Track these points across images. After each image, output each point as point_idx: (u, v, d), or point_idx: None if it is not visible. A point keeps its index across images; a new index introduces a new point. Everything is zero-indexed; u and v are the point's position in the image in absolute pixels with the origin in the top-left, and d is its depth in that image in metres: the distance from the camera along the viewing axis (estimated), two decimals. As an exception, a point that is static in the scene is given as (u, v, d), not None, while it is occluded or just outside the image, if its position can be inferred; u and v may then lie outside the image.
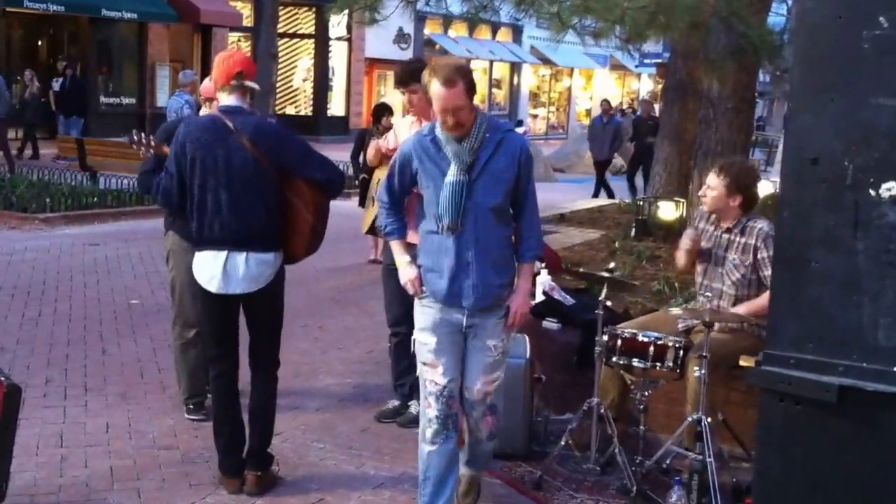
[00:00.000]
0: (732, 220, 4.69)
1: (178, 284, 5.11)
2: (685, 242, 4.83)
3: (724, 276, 4.68)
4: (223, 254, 4.09)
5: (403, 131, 5.27)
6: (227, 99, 4.16)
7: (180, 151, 4.12)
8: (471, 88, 3.61)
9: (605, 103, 18.71)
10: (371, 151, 5.38)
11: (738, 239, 4.66)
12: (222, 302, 4.19)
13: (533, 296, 3.92)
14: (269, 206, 4.10)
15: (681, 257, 4.90)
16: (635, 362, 4.41)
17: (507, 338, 3.86)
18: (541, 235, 3.90)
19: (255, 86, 4.28)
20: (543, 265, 6.28)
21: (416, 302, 3.87)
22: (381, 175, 5.17)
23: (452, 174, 3.65)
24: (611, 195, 16.91)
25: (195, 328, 5.03)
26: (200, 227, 4.15)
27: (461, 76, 3.57)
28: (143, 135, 4.74)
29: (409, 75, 4.98)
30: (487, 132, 3.67)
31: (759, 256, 4.57)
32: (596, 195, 16.98)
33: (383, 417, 5.29)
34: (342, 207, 5.50)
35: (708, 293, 4.67)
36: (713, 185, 4.69)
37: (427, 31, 30.12)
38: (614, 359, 4.49)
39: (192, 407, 5.20)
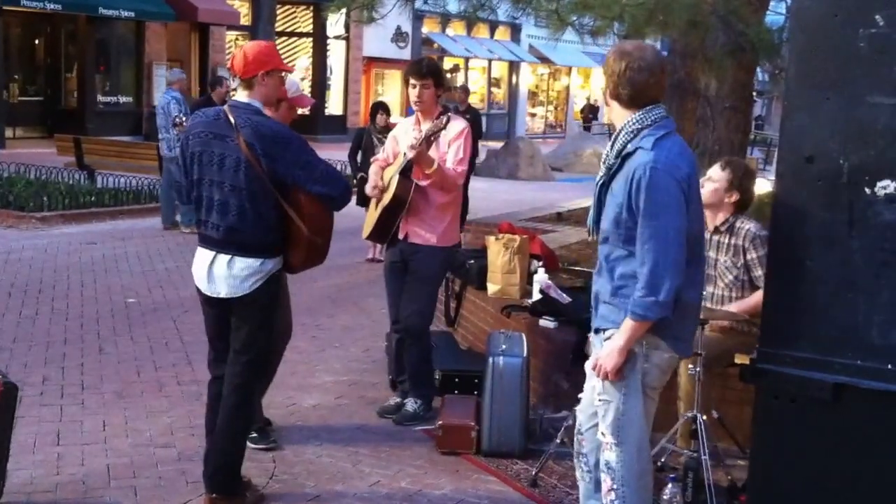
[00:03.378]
0: (721, 219, 4.65)
1: None
2: None
3: (717, 279, 4.66)
4: (211, 254, 3.98)
5: (402, 135, 5.22)
6: (240, 94, 3.99)
7: (185, 145, 4.04)
8: (615, 84, 3.26)
9: (463, 92, 14.01)
10: (371, 185, 5.18)
11: (726, 240, 4.62)
12: (211, 303, 4.08)
13: (622, 355, 3.27)
14: (259, 212, 3.88)
15: None
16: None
17: (601, 384, 3.32)
18: (653, 292, 3.12)
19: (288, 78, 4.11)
20: (541, 263, 6.26)
21: None
22: (392, 172, 5.12)
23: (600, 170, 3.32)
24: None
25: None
26: (198, 224, 4.09)
27: (608, 67, 3.31)
28: None
29: (426, 69, 5.07)
30: (629, 136, 3.21)
31: (748, 257, 4.56)
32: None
33: (385, 413, 5.32)
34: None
35: None
36: (716, 177, 4.62)
37: (425, 29, 30.10)
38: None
39: (254, 435, 4.67)
